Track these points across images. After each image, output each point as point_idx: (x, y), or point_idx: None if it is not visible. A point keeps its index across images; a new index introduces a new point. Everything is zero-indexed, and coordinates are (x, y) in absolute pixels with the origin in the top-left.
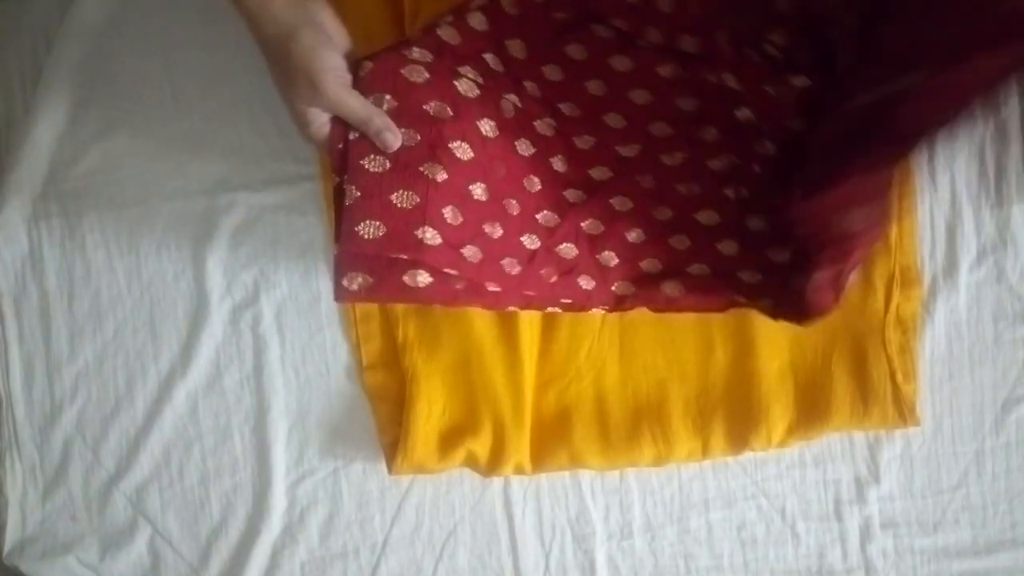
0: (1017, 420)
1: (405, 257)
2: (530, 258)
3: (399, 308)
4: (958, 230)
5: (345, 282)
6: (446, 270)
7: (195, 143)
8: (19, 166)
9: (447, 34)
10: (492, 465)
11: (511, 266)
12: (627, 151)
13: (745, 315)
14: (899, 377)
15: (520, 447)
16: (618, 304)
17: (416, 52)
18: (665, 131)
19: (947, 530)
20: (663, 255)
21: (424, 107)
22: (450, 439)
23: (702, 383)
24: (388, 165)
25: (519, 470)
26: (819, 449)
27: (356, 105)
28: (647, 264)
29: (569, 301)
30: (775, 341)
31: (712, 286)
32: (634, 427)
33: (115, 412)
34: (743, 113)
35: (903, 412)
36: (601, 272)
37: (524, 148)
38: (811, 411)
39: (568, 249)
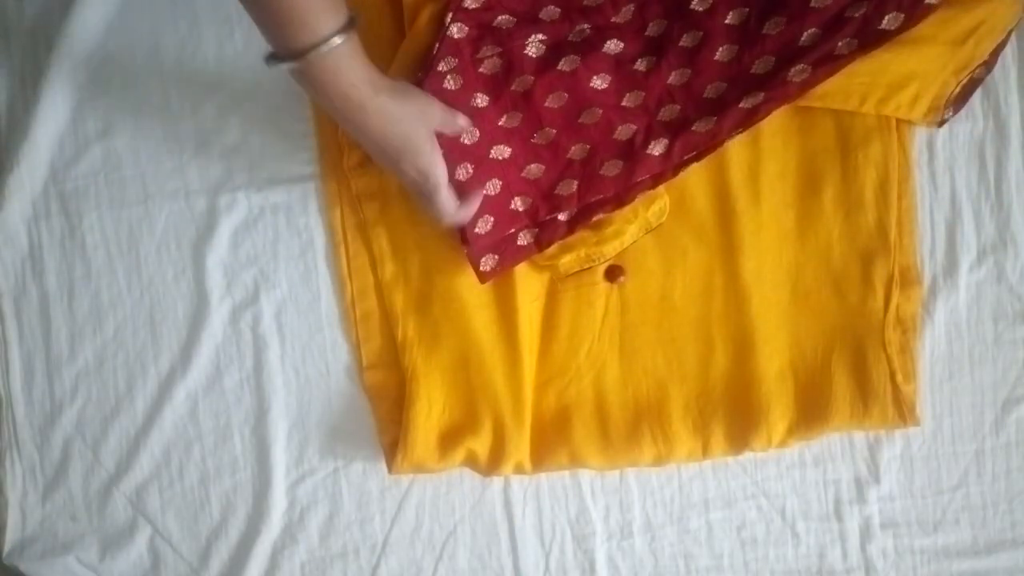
0: (1017, 420)
1: (513, 231)
2: (630, 142)
3: (399, 307)
4: (958, 230)
5: (482, 267)
6: (548, 217)
7: (195, 143)
8: (19, 166)
9: (456, 31)
10: (492, 464)
11: (614, 167)
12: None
13: (745, 315)
14: (899, 377)
15: (520, 446)
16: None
17: (443, 64)
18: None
19: (947, 530)
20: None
21: (472, 103)
22: (450, 438)
23: (702, 383)
24: (471, 168)
25: (519, 469)
26: (819, 449)
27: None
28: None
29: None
30: (775, 341)
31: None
32: (634, 427)
33: (115, 412)
34: None
35: (903, 412)
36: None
37: (567, 65)
38: (811, 411)
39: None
